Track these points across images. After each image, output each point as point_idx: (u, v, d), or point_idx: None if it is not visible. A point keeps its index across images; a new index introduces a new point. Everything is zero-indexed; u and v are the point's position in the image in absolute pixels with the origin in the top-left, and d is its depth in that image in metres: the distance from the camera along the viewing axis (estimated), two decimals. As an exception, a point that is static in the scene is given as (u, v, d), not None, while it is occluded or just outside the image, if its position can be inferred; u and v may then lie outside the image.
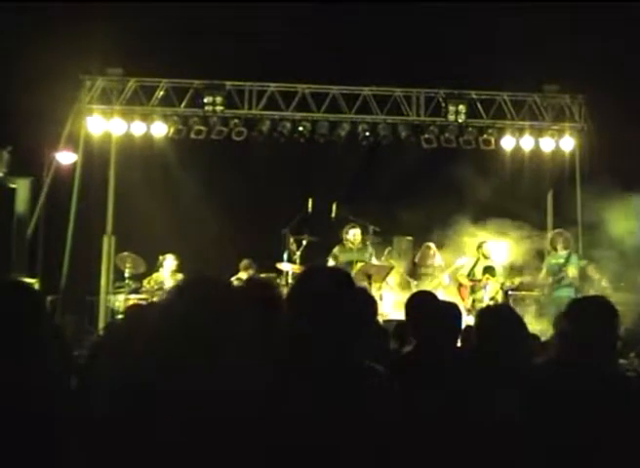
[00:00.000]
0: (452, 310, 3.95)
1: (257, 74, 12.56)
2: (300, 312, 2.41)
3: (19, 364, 2.47)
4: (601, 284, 11.19)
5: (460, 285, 11.12)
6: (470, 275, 11.08)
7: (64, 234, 12.43)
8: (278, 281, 10.40)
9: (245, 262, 11.17)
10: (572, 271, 10.62)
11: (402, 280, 11.36)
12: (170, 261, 11.10)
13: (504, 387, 3.23)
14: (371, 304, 4.23)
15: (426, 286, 10.95)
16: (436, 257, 11.27)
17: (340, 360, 2.32)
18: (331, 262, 10.71)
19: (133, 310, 5.06)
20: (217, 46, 11.38)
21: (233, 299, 2.39)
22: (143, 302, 9.43)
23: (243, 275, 10.93)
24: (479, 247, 11.12)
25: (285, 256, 10.92)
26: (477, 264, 11.11)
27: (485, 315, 3.86)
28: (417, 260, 11.47)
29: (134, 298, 10.63)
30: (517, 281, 10.98)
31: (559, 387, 3.00)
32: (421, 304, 4.25)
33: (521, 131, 12.92)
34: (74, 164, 12.56)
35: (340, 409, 2.27)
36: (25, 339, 2.53)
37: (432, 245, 11.35)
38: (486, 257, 11.08)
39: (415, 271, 11.33)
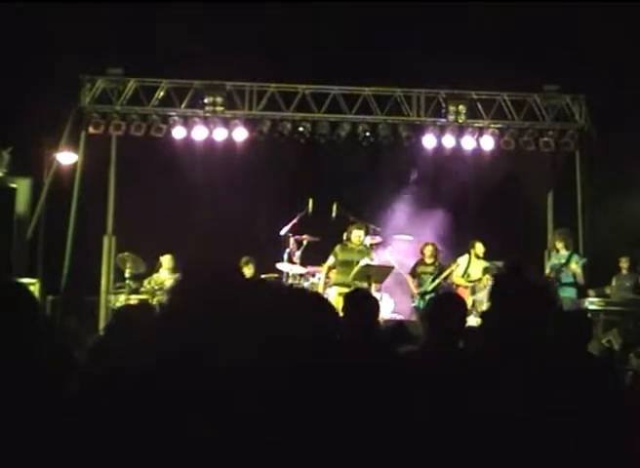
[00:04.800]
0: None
1: (257, 74, 12.55)
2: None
3: (15, 366, 2.45)
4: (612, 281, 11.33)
5: (458, 286, 11.04)
6: (465, 275, 11.05)
7: (64, 234, 12.42)
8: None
9: (244, 259, 11.15)
10: (574, 268, 10.57)
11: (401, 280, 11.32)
12: (168, 261, 11.11)
13: (506, 388, 3.22)
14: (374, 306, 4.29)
15: (427, 285, 10.97)
16: (437, 257, 11.21)
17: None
18: (331, 259, 10.69)
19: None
20: (217, 46, 11.38)
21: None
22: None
23: (244, 271, 10.94)
24: (471, 246, 11.10)
25: (285, 256, 10.92)
26: (470, 264, 11.08)
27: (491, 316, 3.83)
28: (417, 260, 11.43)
29: (134, 299, 10.62)
30: None
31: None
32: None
33: (521, 131, 12.90)
34: (74, 164, 12.56)
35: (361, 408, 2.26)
36: (20, 341, 2.51)
37: (431, 244, 11.30)
38: (478, 257, 11.05)
39: (414, 271, 11.28)
